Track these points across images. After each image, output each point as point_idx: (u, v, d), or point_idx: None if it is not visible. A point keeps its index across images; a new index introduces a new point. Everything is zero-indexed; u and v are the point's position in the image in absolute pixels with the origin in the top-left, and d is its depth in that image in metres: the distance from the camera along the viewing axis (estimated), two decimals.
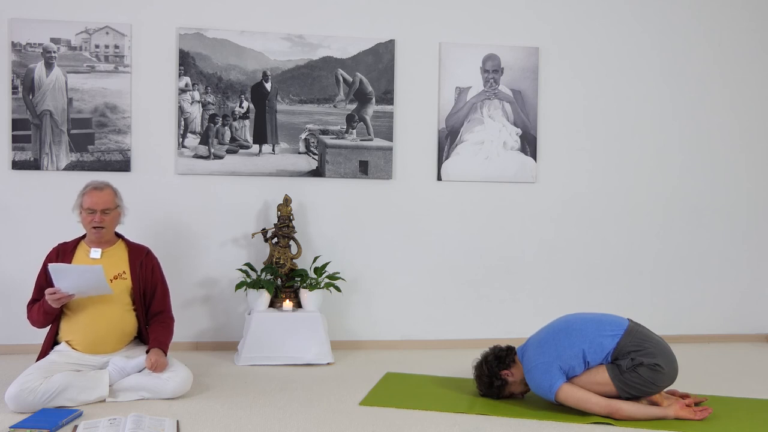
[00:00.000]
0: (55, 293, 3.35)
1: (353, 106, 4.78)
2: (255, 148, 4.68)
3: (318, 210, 4.76)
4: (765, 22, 5.22)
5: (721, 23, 5.16)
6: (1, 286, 4.44)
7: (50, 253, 3.63)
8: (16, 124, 4.43)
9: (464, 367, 4.06)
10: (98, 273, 3.34)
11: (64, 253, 3.60)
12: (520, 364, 3.49)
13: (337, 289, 4.51)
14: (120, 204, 3.67)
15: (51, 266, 3.37)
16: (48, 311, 3.46)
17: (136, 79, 4.55)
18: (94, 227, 3.55)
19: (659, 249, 5.14)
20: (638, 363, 3.26)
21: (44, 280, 3.52)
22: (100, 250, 3.61)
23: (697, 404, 3.45)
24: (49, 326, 3.58)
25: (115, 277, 3.59)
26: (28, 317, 3.58)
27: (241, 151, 4.67)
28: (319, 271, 4.51)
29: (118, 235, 3.74)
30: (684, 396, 3.57)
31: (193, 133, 4.62)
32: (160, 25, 4.56)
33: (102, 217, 3.55)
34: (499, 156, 4.92)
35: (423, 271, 4.89)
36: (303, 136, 4.73)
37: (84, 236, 3.67)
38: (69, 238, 3.72)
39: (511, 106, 4.93)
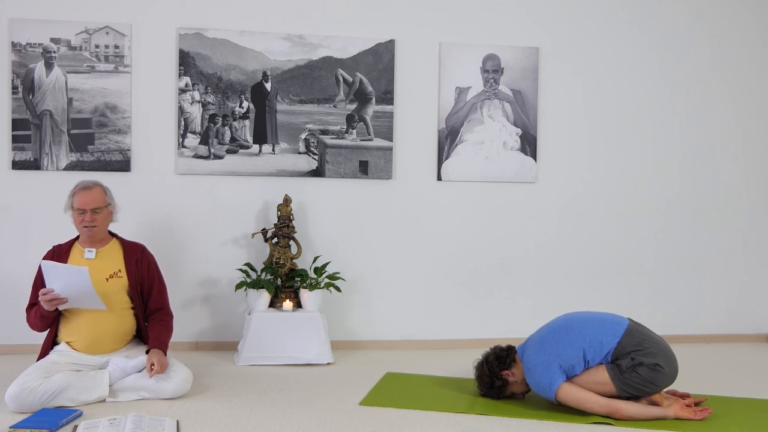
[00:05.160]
0: (47, 293, 3.34)
1: (353, 106, 4.78)
2: (255, 148, 4.68)
3: (318, 210, 4.76)
4: (765, 21, 5.22)
5: (721, 23, 5.16)
6: (2, 286, 4.44)
7: (46, 255, 3.61)
8: (16, 124, 4.43)
9: (464, 367, 4.07)
10: (84, 274, 3.32)
11: (59, 254, 3.59)
12: (520, 363, 3.49)
13: (337, 289, 4.51)
14: (111, 202, 3.65)
15: (43, 263, 3.37)
16: (43, 315, 3.45)
17: (136, 79, 4.55)
18: (86, 227, 3.55)
19: (659, 249, 5.14)
20: (638, 363, 3.26)
21: (41, 284, 3.49)
22: (94, 250, 3.60)
23: (697, 404, 3.46)
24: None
25: (111, 276, 3.58)
26: (27, 321, 3.58)
27: (241, 151, 4.67)
28: (319, 271, 4.51)
29: (113, 234, 3.74)
30: (684, 396, 3.57)
31: (193, 133, 4.62)
32: (160, 25, 4.56)
33: (93, 216, 3.53)
34: (499, 156, 4.92)
35: (423, 271, 4.89)
36: (303, 136, 4.73)
37: (78, 237, 3.67)
38: (68, 239, 3.71)
39: (511, 106, 4.93)
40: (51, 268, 3.36)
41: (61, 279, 3.34)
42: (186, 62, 4.58)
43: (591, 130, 5.05)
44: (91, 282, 3.33)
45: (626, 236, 5.10)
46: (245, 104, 4.67)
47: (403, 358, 4.55)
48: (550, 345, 3.38)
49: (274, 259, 4.48)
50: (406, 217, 4.87)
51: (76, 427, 3.00)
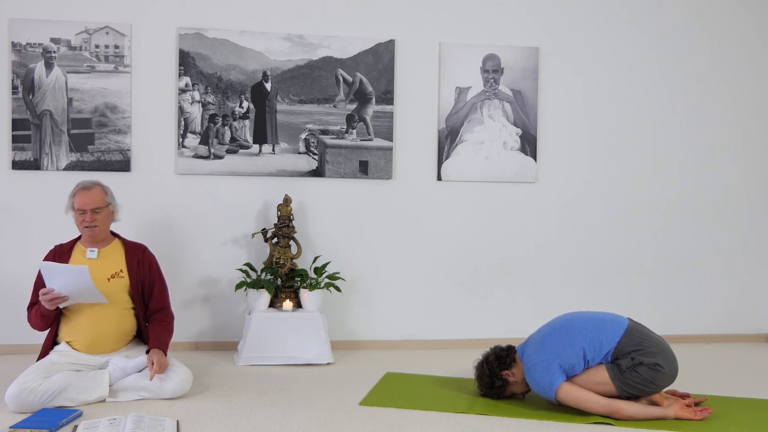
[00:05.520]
0: (47, 293, 3.34)
1: (353, 106, 4.78)
2: (255, 148, 4.68)
3: (318, 210, 4.76)
4: (765, 21, 5.22)
5: (721, 23, 5.16)
6: (2, 286, 4.44)
7: (47, 255, 3.62)
8: (16, 124, 4.43)
9: (464, 367, 4.07)
10: (84, 273, 3.32)
11: (60, 254, 3.60)
12: (520, 363, 3.48)
13: (337, 289, 4.51)
14: (111, 201, 3.65)
15: (42, 265, 3.38)
16: (44, 314, 3.45)
17: (136, 79, 4.55)
18: (87, 227, 3.55)
19: (659, 249, 5.14)
20: (638, 362, 3.26)
21: (42, 283, 3.49)
22: (96, 250, 3.60)
23: (697, 404, 3.46)
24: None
25: (113, 276, 3.58)
26: (28, 320, 3.58)
27: (241, 151, 4.67)
28: (319, 271, 4.51)
29: (114, 234, 3.74)
30: (684, 396, 3.57)
31: (193, 133, 4.62)
32: (160, 25, 4.56)
33: (93, 216, 3.54)
34: (499, 156, 4.92)
35: (423, 271, 4.89)
36: (303, 136, 4.74)
37: (80, 237, 3.67)
38: (68, 239, 3.71)
39: (511, 106, 4.93)
40: (50, 268, 3.37)
41: (60, 278, 3.35)
42: (186, 62, 4.58)
43: (591, 130, 5.05)
44: (90, 279, 3.34)
45: (626, 236, 5.10)
46: (245, 104, 4.67)
47: (403, 358, 4.55)
48: (550, 345, 3.38)
49: (274, 259, 4.48)
50: (406, 217, 4.87)
51: (76, 427, 3.00)
